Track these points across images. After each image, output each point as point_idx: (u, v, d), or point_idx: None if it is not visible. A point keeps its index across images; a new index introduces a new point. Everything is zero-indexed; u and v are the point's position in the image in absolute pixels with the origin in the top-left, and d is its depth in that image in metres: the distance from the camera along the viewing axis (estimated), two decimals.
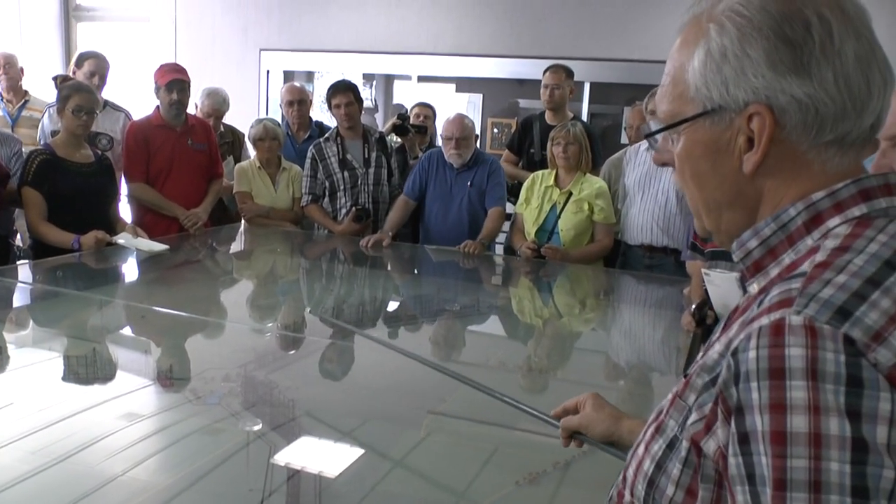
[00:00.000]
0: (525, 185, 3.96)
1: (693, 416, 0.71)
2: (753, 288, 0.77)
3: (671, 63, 0.80)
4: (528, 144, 4.52)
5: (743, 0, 0.73)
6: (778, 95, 0.71)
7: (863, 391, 0.59)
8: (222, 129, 4.78)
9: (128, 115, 4.34)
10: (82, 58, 4.30)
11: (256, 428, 1.78)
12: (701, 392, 0.71)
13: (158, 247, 3.47)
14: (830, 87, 0.70)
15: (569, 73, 4.38)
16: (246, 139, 4.69)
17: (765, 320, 0.64)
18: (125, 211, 4.06)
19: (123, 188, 4.08)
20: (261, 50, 6.36)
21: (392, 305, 3.36)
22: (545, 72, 4.39)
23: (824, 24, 0.70)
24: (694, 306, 2.52)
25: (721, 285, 2.14)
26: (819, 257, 0.68)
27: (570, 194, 3.76)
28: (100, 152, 3.67)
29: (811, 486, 0.59)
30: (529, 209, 3.87)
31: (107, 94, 4.34)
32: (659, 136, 0.84)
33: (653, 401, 2.15)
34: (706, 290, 2.33)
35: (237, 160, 4.75)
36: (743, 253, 0.78)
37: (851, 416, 0.59)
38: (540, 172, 3.93)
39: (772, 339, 0.63)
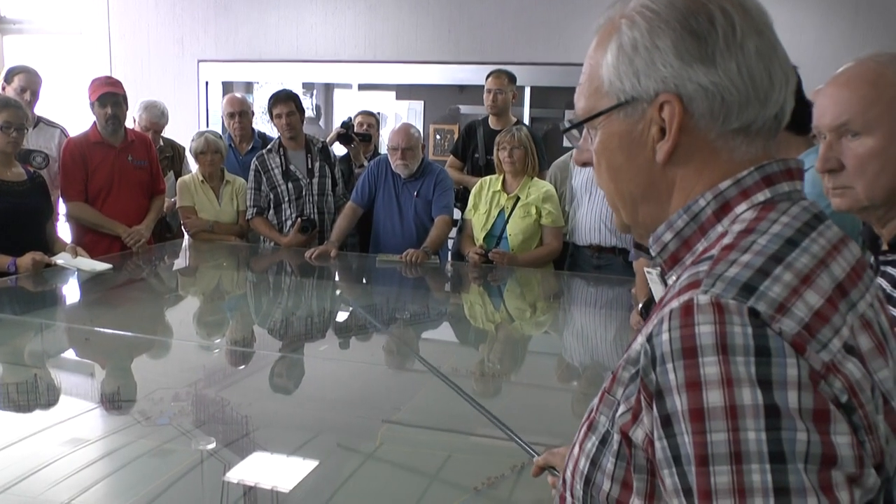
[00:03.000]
0: (473, 190, 3.98)
1: (621, 409, 0.72)
2: (672, 280, 0.79)
3: (587, 63, 0.84)
4: (472, 150, 4.54)
5: None
6: (686, 84, 0.74)
7: (771, 360, 0.62)
8: (161, 143, 4.71)
9: (63, 132, 4.23)
10: (12, 72, 4.17)
11: (209, 446, 1.75)
12: (627, 384, 0.72)
13: (100, 266, 3.39)
14: (734, 77, 0.74)
15: (511, 77, 4.41)
16: (187, 153, 4.62)
17: (675, 303, 0.67)
18: (64, 230, 3.95)
19: (62, 207, 3.98)
20: (199, 61, 6.27)
21: (341, 316, 3.34)
22: (488, 77, 4.42)
23: (727, 18, 0.74)
24: (641, 304, 2.56)
25: (663, 283, 2.18)
26: (726, 241, 0.72)
27: (518, 199, 3.79)
28: (33, 170, 3.56)
29: (732, 458, 0.61)
30: (478, 215, 3.89)
31: (40, 109, 4.22)
32: (580, 136, 0.87)
33: None
34: (651, 287, 2.37)
35: (178, 175, 4.67)
36: (659, 247, 0.81)
37: (762, 384, 0.61)
38: (488, 178, 3.96)
39: (682, 319, 0.65)
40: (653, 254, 0.82)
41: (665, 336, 0.65)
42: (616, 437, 0.72)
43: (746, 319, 0.63)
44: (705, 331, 0.63)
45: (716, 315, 0.63)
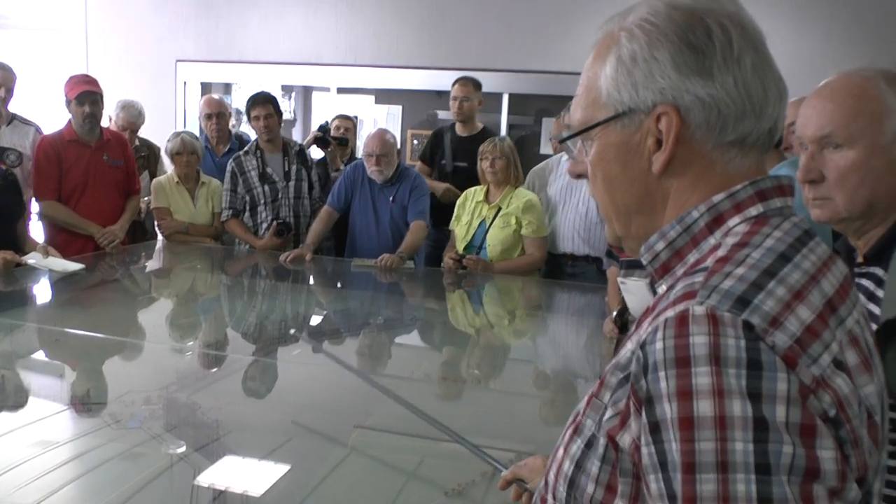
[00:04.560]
0: (458, 201, 3.97)
1: (608, 413, 0.73)
2: (662, 289, 0.80)
3: (585, 75, 0.84)
4: (439, 156, 4.55)
5: (651, 10, 0.79)
6: (683, 95, 0.76)
7: (762, 373, 0.63)
8: (137, 142, 4.68)
9: (38, 130, 4.19)
10: None
11: (179, 450, 1.74)
12: (615, 389, 0.73)
13: (73, 266, 3.35)
14: (731, 90, 0.75)
15: (476, 84, 4.42)
16: (162, 153, 4.59)
17: (670, 313, 0.68)
18: (36, 230, 3.91)
19: (34, 206, 3.94)
20: (177, 61, 6.23)
21: (315, 320, 3.34)
22: (454, 84, 4.43)
23: (725, 34, 0.76)
24: (615, 313, 2.59)
25: (637, 293, 2.20)
26: (720, 253, 0.73)
27: (499, 209, 3.78)
28: (5, 168, 3.52)
29: (718, 467, 0.62)
30: (460, 226, 3.89)
31: (14, 107, 4.18)
32: (575, 148, 0.88)
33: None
34: (623, 297, 2.40)
35: (153, 175, 4.65)
36: (651, 255, 0.82)
37: (752, 397, 0.63)
38: (472, 189, 3.95)
39: (677, 329, 0.66)
40: (644, 262, 0.83)
41: (659, 345, 0.66)
42: (602, 441, 0.73)
43: (741, 332, 0.64)
44: (699, 341, 0.64)
45: (710, 326, 0.65)
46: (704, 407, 0.63)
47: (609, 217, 0.87)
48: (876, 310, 1.29)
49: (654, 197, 0.81)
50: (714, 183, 0.78)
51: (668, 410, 0.65)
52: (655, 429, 0.66)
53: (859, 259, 1.40)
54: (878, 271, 1.34)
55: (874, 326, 1.09)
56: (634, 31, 0.78)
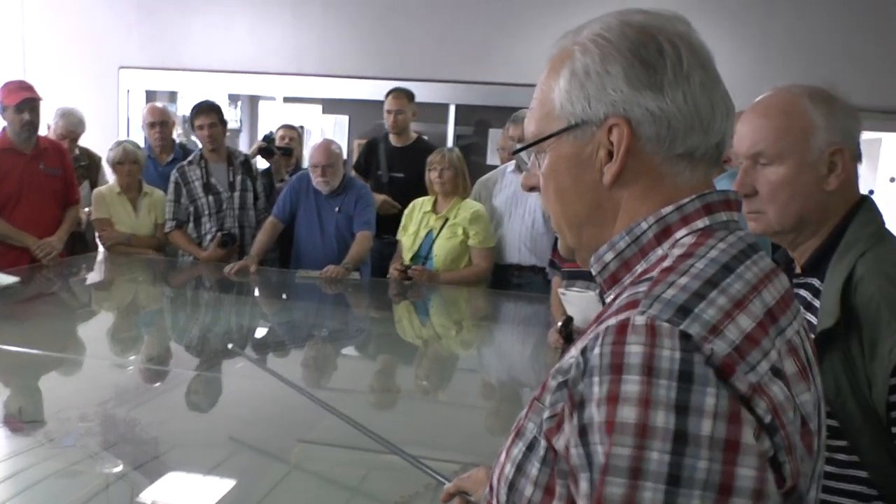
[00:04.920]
0: (406, 211, 3.98)
1: (547, 414, 0.74)
2: (610, 298, 0.82)
3: (539, 88, 0.86)
4: (374, 166, 4.54)
5: (605, 26, 0.81)
6: (634, 108, 0.78)
7: (692, 386, 0.65)
8: (77, 151, 4.57)
9: None
10: None
11: (117, 469, 1.70)
12: (554, 392, 0.74)
13: (6, 279, 3.26)
14: (681, 104, 0.78)
15: (410, 96, 4.44)
16: (104, 162, 4.50)
17: (612, 321, 0.69)
18: None
19: None
20: (120, 68, 6.11)
21: (259, 332, 3.30)
22: (387, 96, 4.44)
23: (675, 51, 0.78)
24: (560, 323, 2.61)
25: (578, 304, 2.23)
26: (666, 264, 0.75)
27: (447, 220, 3.79)
28: None
29: (630, 472, 0.64)
30: (406, 235, 3.89)
31: None
32: (529, 160, 0.89)
33: None
34: (565, 307, 2.42)
35: (94, 185, 4.55)
36: (600, 266, 0.84)
37: (679, 409, 0.64)
38: (420, 199, 3.95)
39: (616, 337, 0.68)
40: (593, 273, 0.85)
41: (597, 350, 0.68)
42: (543, 444, 0.74)
43: (676, 343, 0.66)
44: (635, 350, 0.66)
45: (648, 337, 0.66)
46: (628, 413, 0.64)
47: (561, 228, 0.89)
48: (813, 319, 1.33)
49: (605, 208, 0.83)
50: (663, 195, 0.80)
51: (595, 414, 0.66)
52: (583, 431, 0.67)
53: (798, 270, 1.45)
54: (815, 282, 1.39)
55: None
56: (588, 46, 0.80)
